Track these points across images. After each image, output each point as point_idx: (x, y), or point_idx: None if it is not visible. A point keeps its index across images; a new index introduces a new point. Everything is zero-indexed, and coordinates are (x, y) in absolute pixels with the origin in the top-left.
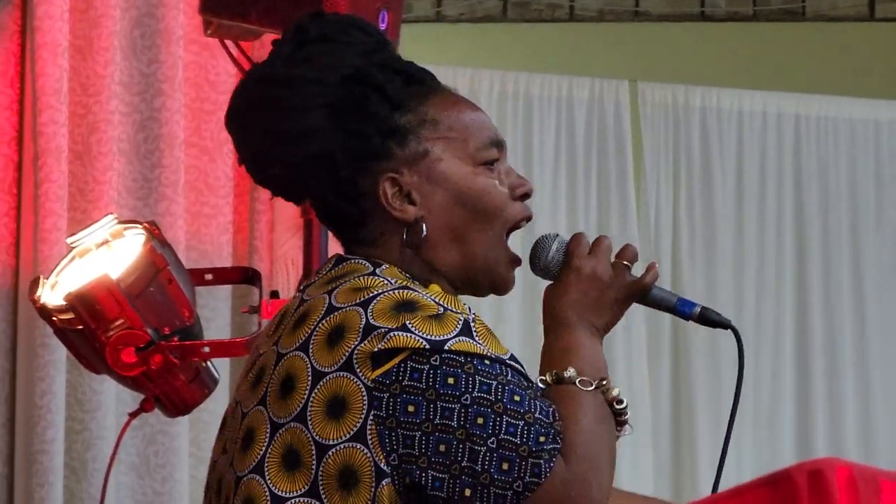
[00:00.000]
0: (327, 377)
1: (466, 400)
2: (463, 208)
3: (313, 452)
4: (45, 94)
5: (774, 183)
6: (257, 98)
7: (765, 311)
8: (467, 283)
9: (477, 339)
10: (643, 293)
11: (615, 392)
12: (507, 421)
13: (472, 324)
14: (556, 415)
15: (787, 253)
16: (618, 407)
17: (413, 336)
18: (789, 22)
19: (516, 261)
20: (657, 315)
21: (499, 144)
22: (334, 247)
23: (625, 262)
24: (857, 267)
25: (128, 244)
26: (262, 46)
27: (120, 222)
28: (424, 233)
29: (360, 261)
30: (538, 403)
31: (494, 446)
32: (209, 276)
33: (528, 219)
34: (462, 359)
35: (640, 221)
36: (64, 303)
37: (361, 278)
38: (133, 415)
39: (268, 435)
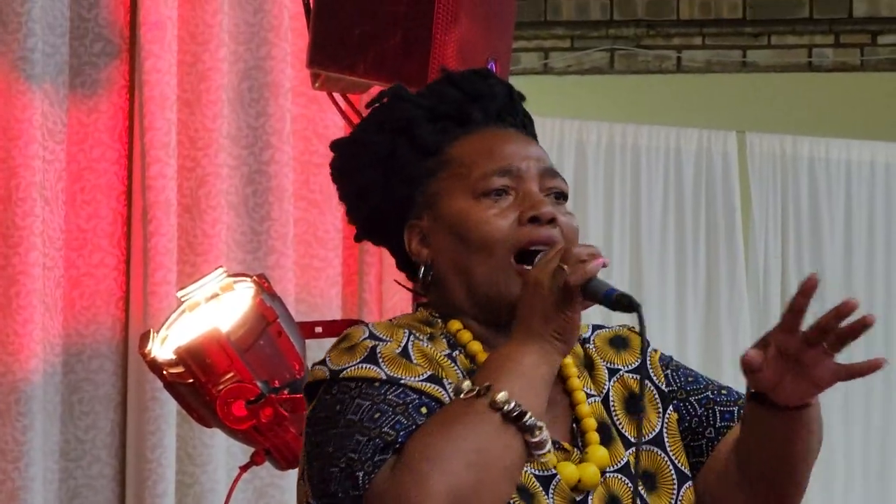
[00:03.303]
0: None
1: (340, 423)
2: (461, 243)
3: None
4: (153, 147)
5: (883, 233)
6: (331, 165)
7: None
8: (484, 314)
9: (381, 364)
10: (579, 291)
11: (499, 396)
12: (356, 439)
13: (379, 350)
14: (410, 428)
15: None
16: (506, 409)
17: (323, 368)
18: None
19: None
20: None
21: (508, 172)
22: None
23: (562, 265)
24: None
25: (237, 297)
26: (369, 99)
27: (229, 275)
28: (427, 274)
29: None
30: (399, 419)
31: (343, 465)
32: (319, 329)
33: (543, 241)
34: (353, 384)
35: (748, 272)
36: (174, 357)
37: None
38: (244, 468)
39: None
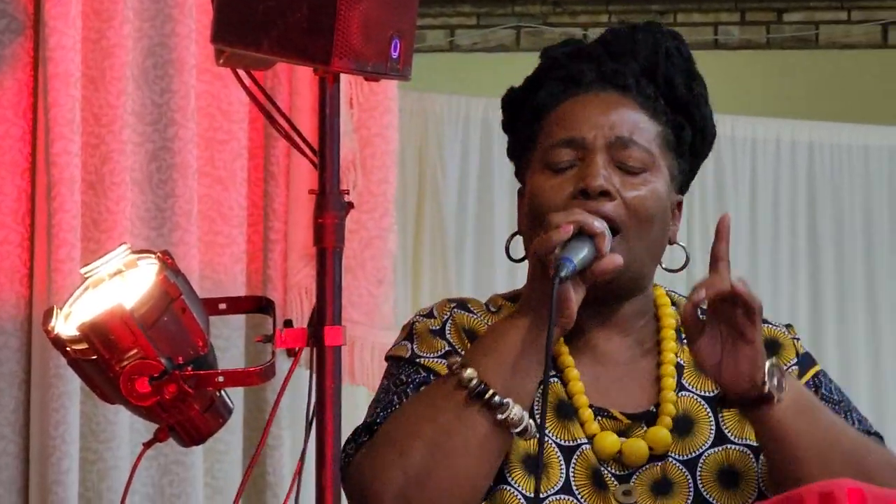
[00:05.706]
0: None
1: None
2: (532, 215)
3: None
4: (57, 124)
5: (788, 210)
6: None
7: None
8: None
9: (414, 341)
10: (554, 260)
11: (466, 373)
12: (364, 420)
13: (415, 327)
14: (391, 408)
15: (802, 280)
16: (470, 387)
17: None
18: (802, 49)
19: None
20: None
21: (572, 142)
22: (348, 276)
23: (541, 234)
24: (873, 294)
25: (141, 274)
26: (274, 76)
27: (133, 252)
28: (510, 242)
29: None
30: (392, 399)
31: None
32: (223, 306)
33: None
34: (390, 363)
35: None
36: (77, 333)
37: None
38: (147, 444)
39: None
